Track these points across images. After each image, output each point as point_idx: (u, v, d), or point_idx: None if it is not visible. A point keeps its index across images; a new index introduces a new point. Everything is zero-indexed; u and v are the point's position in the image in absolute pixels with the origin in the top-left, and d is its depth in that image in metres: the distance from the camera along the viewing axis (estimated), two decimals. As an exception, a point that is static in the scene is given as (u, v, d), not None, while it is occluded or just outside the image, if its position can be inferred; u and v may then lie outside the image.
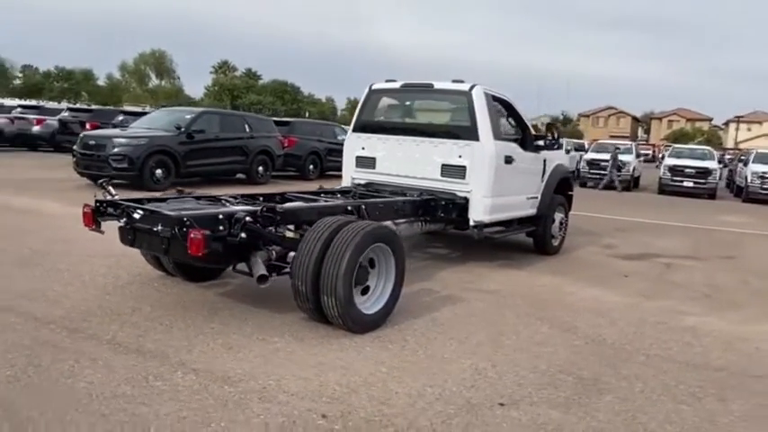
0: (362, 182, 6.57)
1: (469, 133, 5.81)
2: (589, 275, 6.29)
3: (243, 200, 4.50)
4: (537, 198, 6.80)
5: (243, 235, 3.77)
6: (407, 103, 6.77)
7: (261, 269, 3.75)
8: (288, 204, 4.55)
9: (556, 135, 6.56)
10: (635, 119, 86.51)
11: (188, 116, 12.04)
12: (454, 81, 6.01)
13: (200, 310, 4.30)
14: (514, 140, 6.46)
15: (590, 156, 21.95)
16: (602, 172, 20.75)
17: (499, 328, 4.33)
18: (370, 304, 4.16)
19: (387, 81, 6.52)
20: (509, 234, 6.59)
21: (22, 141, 19.02)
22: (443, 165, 5.96)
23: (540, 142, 6.65)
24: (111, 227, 4.22)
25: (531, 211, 6.75)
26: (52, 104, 27.63)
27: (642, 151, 47.32)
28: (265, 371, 3.32)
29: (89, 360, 3.30)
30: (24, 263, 5.27)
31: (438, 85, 6.14)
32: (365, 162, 6.54)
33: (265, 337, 3.83)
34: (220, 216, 3.75)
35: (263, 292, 4.21)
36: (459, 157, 5.87)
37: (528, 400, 3.20)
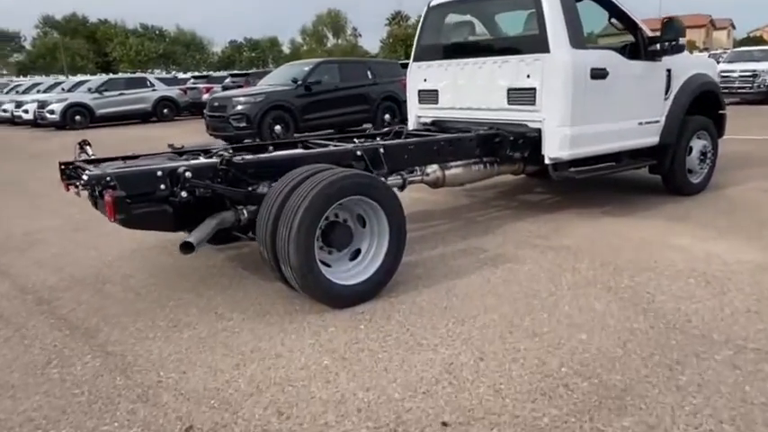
0: (428, 120, 5.58)
1: (538, 44, 4.47)
2: (727, 224, 4.61)
3: (236, 152, 3.88)
4: (659, 122, 5.16)
5: (183, 194, 3.17)
6: (468, 17, 5.50)
7: (192, 236, 3.12)
8: (263, 155, 3.81)
9: (675, 34, 4.78)
10: None
11: (305, 68, 11.79)
12: (520, -20, 4.66)
13: (191, 277, 3.88)
14: (617, 48, 4.90)
15: None
16: None
17: (531, 303, 3.21)
18: (356, 272, 3.34)
19: (447, -7, 5.34)
20: (612, 172, 5.10)
21: (196, 109, 20.80)
22: (509, 89, 4.72)
23: (658, 46, 4.95)
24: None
25: (651, 140, 5.14)
26: (219, 74, 29.92)
27: None
28: (184, 358, 2.75)
29: (19, 337, 3.04)
30: (81, 228, 5.36)
31: (500, -12, 4.82)
32: (428, 96, 5.51)
33: (224, 312, 3.26)
34: (159, 173, 3.17)
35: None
36: (528, 76, 4.57)
37: (492, 419, 2.17)
